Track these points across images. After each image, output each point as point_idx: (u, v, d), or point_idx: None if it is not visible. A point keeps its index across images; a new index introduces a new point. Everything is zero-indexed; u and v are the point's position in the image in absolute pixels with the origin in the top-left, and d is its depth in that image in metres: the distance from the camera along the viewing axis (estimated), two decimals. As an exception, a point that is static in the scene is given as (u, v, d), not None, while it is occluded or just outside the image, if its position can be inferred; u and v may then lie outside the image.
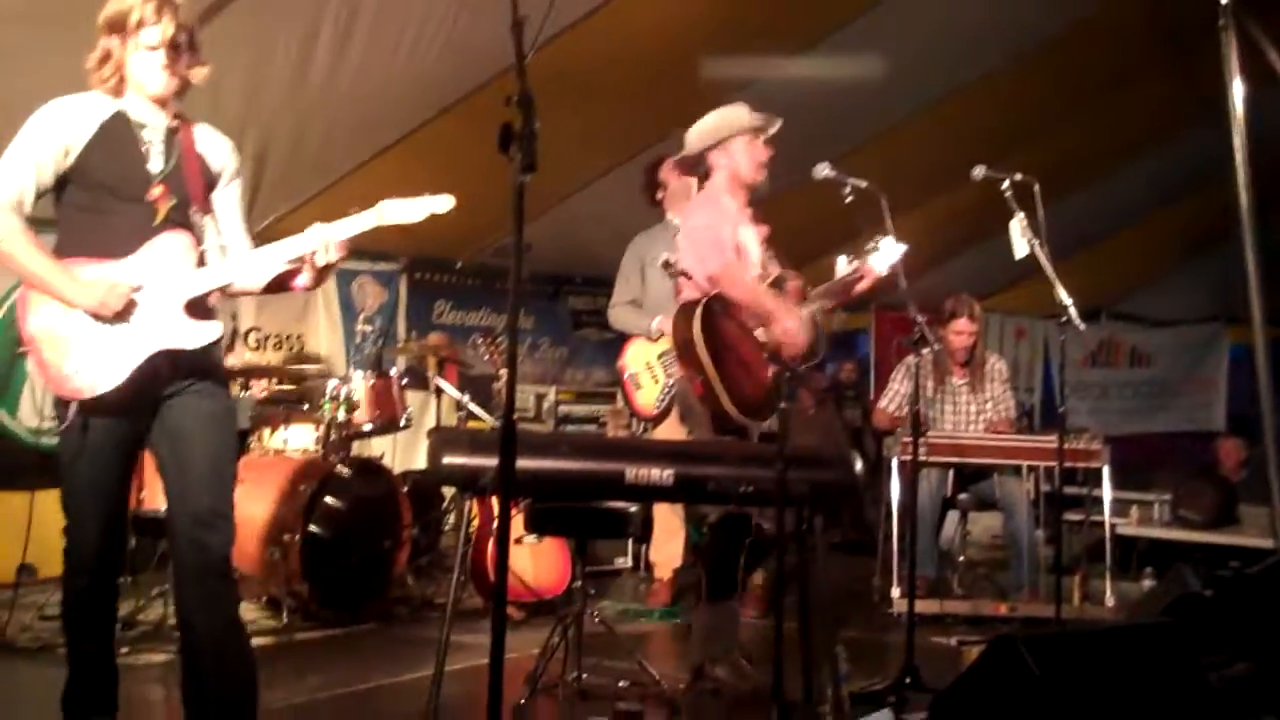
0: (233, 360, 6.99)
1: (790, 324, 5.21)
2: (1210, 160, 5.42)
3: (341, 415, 6.74)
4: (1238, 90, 2.30)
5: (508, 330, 3.11)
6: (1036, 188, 5.54)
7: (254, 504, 6.17)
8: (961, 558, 7.94)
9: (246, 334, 8.11)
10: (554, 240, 7.89)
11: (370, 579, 6.49)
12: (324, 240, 3.85)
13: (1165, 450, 13.66)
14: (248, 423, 6.83)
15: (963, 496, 7.67)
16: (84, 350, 3.73)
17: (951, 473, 7.58)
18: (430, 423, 7.93)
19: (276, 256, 3.90)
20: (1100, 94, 8.80)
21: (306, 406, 6.97)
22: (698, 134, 5.49)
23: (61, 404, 3.78)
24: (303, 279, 3.97)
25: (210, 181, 4.02)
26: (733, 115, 5.48)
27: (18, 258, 3.71)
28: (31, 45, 5.42)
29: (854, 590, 7.59)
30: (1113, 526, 7.30)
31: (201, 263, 3.89)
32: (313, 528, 6.25)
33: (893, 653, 5.95)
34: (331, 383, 6.89)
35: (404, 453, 8.20)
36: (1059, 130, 9.00)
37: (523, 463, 4.21)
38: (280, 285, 4.03)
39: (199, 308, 3.86)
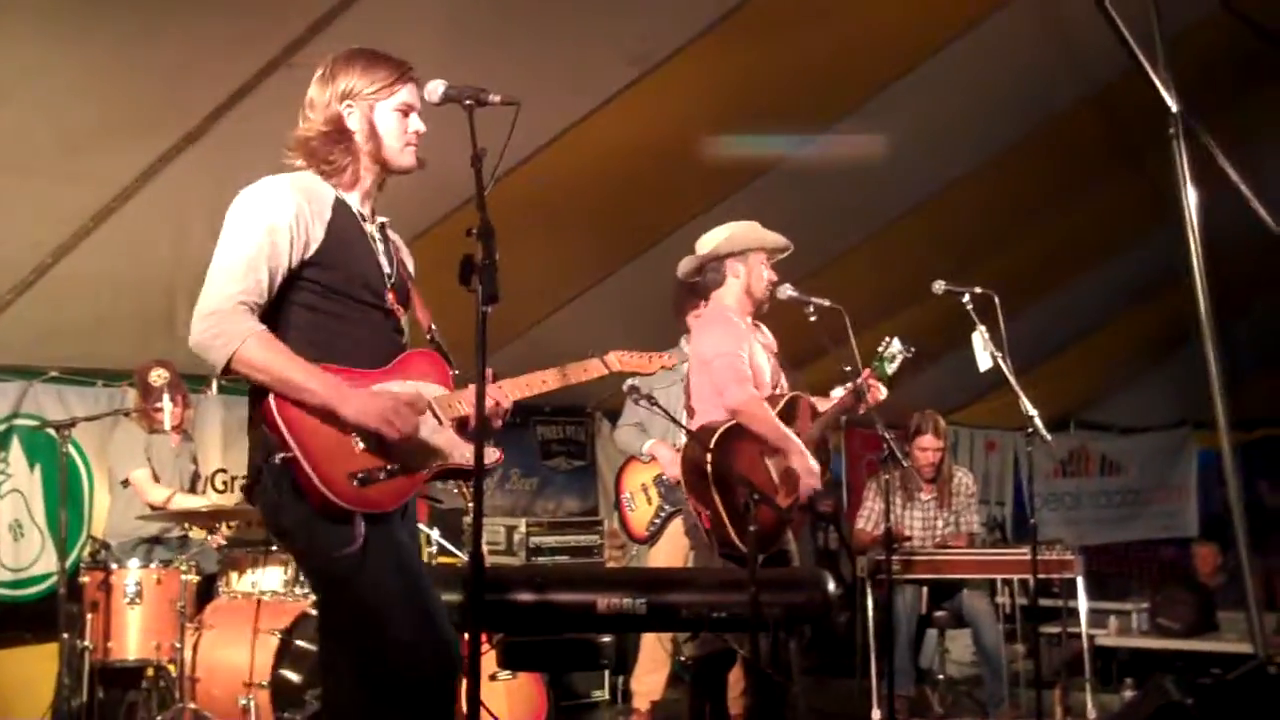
0: (200, 503, 6.87)
1: (804, 462, 5.16)
2: (1168, 264, 5.48)
3: (311, 555, 6.61)
4: (1191, 197, 2.33)
5: (474, 463, 3.08)
6: (996, 300, 5.58)
7: (224, 649, 6.12)
8: (941, 676, 7.87)
9: (213, 476, 7.98)
10: (521, 369, 7.85)
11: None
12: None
13: (1141, 558, 13.64)
14: (215, 566, 6.72)
15: (938, 613, 7.62)
16: (370, 453, 3.19)
17: (925, 590, 7.53)
18: (400, 559, 7.81)
19: (534, 385, 3.72)
20: (1057, 202, 8.88)
21: (275, 548, 6.87)
22: (724, 238, 5.41)
23: (329, 522, 3.15)
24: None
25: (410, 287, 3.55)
26: (756, 230, 5.45)
27: (273, 367, 3.10)
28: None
29: (833, 713, 7.49)
30: (1091, 638, 7.25)
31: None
32: (284, 671, 6.12)
33: (876, 776, 5.87)
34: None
35: (375, 590, 8.06)
36: (1018, 240, 9.05)
37: (493, 597, 4.17)
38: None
39: (466, 428, 3.43)
